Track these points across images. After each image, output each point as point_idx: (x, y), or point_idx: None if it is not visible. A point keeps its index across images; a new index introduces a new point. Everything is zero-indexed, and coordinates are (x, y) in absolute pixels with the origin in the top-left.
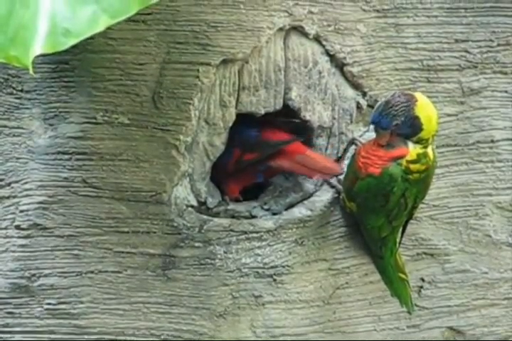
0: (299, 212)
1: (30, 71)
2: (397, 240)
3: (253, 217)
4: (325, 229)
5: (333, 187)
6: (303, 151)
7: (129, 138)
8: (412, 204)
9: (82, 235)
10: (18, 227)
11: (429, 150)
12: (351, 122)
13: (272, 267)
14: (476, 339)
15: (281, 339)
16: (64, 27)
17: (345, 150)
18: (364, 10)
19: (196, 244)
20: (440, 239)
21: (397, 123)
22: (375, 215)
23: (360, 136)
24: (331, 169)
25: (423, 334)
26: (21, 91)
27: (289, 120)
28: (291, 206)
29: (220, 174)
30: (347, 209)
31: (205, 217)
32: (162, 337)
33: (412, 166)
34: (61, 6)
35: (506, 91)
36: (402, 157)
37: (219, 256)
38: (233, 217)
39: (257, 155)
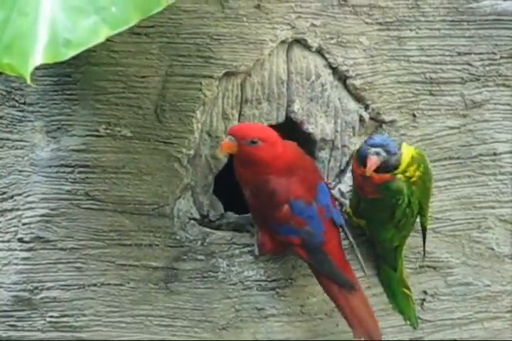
0: None
1: (28, 81)
2: (404, 252)
3: None
4: None
5: (336, 200)
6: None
7: (132, 151)
8: (418, 209)
9: (84, 248)
10: (20, 240)
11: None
12: (354, 135)
13: (274, 280)
14: None
15: None
16: (64, 37)
17: (348, 164)
18: (367, 23)
19: (199, 257)
20: (443, 252)
21: (396, 152)
22: (384, 227)
23: None
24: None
25: None
26: (24, 104)
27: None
28: None
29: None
30: (354, 223)
31: (207, 229)
32: None
33: (408, 173)
34: (61, 16)
35: (509, 104)
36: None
37: (222, 269)
38: (235, 229)
39: (308, 260)
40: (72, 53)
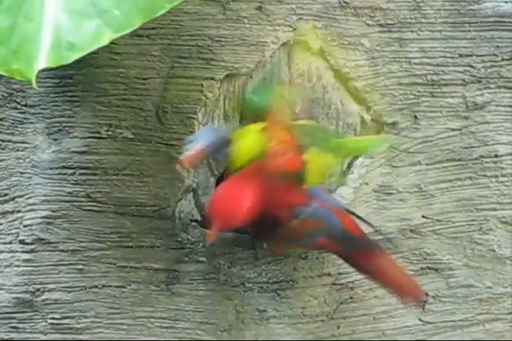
0: None
1: (34, 85)
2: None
3: None
4: None
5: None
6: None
7: (133, 152)
8: None
9: (86, 250)
10: (22, 242)
11: None
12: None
13: (276, 282)
14: None
15: None
16: (68, 41)
17: (350, 165)
18: (368, 24)
19: (200, 259)
20: (444, 254)
21: None
22: None
23: None
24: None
25: None
26: (25, 105)
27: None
28: None
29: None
30: None
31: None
32: None
33: None
34: (65, 19)
35: (510, 106)
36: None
37: (223, 271)
38: (237, 231)
39: (339, 248)
40: (75, 57)
